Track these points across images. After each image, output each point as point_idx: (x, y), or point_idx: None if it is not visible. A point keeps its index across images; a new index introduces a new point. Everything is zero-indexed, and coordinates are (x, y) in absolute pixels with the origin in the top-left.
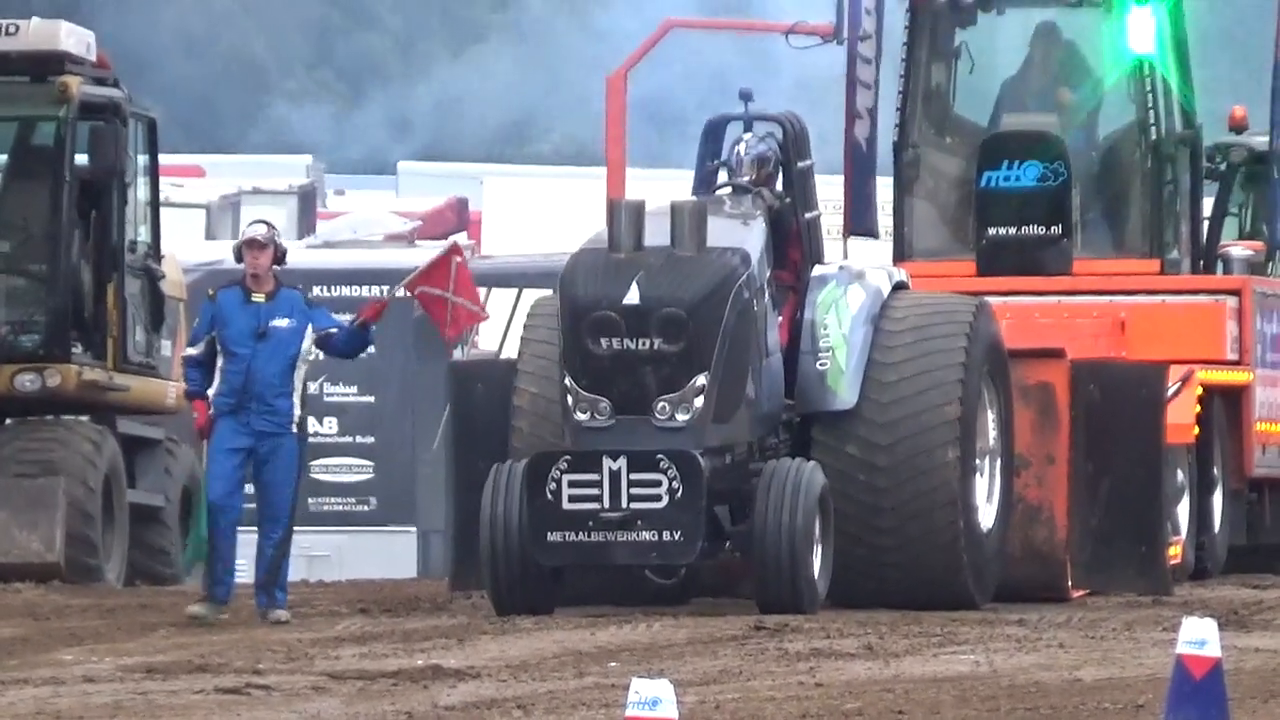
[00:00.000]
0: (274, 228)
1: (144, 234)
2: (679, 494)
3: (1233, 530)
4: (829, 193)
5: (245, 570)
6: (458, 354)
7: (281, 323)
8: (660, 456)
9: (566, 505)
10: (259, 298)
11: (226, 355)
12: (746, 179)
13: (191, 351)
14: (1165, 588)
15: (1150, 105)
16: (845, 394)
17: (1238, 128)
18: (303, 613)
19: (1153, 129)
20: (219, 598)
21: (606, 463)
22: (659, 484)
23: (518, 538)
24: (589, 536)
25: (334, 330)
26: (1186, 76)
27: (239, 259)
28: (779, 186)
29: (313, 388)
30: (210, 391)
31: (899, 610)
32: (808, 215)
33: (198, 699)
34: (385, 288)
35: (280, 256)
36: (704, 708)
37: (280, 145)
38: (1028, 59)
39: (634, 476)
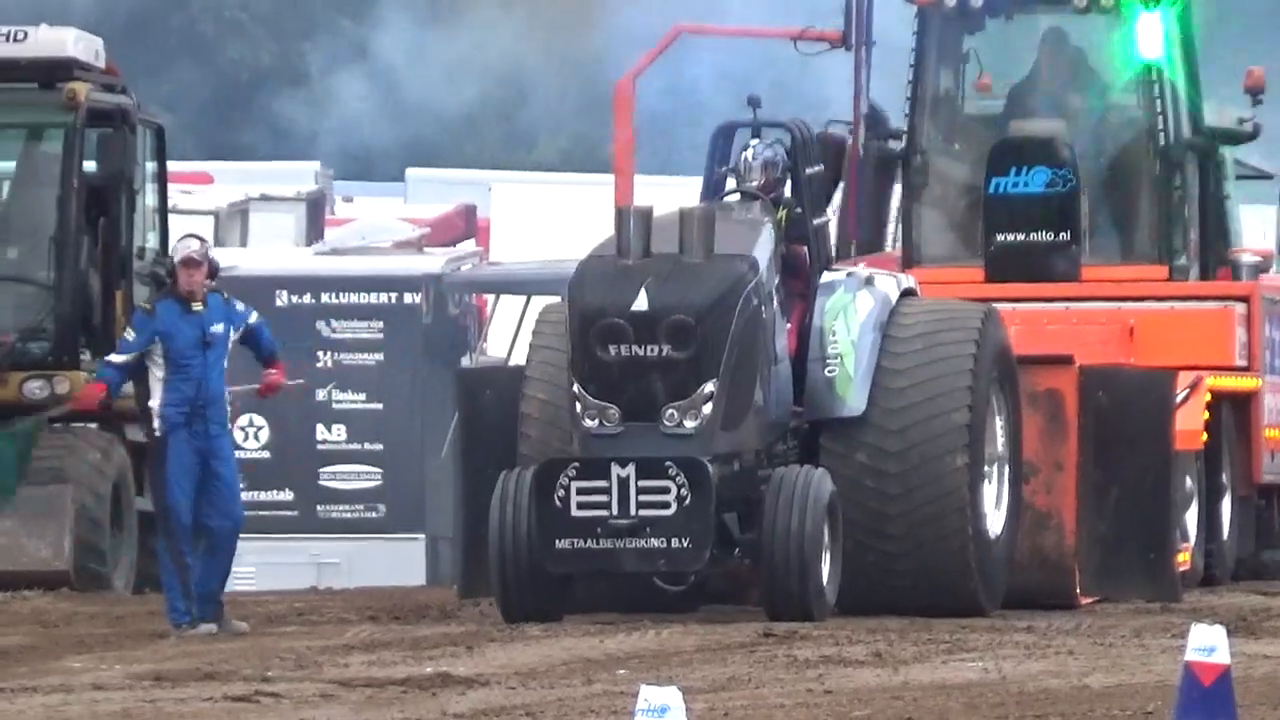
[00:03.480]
0: (206, 242)
1: (152, 241)
2: (687, 501)
3: (1241, 537)
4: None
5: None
6: (466, 361)
7: (218, 328)
8: (669, 463)
9: (575, 512)
10: (198, 307)
11: (175, 368)
12: (755, 185)
13: (122, 358)
14: (1174, 594)
15: (1159, 110)
16: (854, 401)
17: None
18: (312, 620)
19: (1161, 134)
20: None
21: (615, 470)
22: (668, 491)
23: (526, 545)
24: (597, 544)
25: (252, 322)
26: (1195, 81)
27: (171, 275)
28: (787, 193)
29: (321, 395)
30: (154, 404)
31: (908, 617)
32: (816, 221)
33: (206, 707)
34: (393, 295)
35: (213, 271)
36: (713, 715)
37: (289, 152)
38: (1035, 65)
39: (642, 483)
